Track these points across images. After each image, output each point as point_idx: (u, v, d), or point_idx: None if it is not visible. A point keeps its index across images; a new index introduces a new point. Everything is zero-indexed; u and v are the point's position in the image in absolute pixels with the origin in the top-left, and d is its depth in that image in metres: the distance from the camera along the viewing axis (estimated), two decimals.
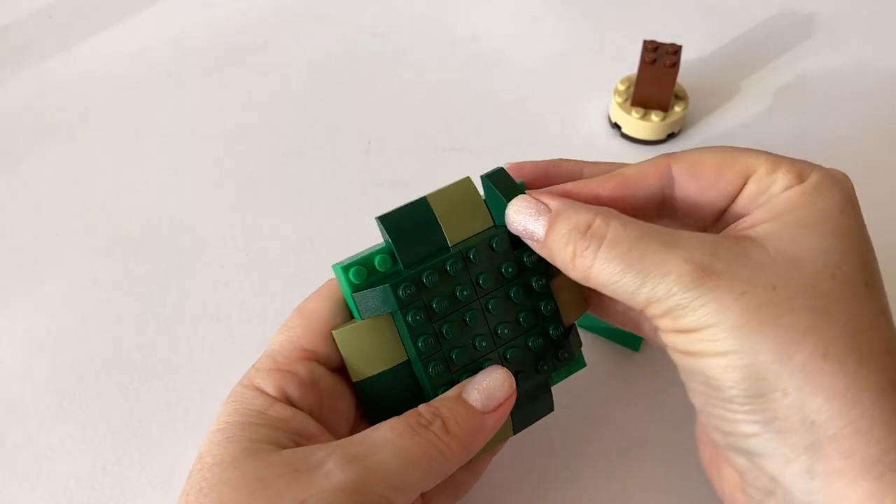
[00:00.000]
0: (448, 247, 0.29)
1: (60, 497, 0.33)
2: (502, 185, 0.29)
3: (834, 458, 0.23)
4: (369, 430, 0.27)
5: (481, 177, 0.30)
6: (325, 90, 0.48)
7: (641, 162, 0.29)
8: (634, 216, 0.28)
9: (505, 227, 0.29)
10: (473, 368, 0.28)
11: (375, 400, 0.29)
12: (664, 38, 0.44)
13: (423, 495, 0.30)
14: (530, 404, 0.30)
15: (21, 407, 0.36)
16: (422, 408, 0.27)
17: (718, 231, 0.29)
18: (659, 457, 0.34)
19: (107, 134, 0.46)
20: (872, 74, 0.47)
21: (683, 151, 0.29)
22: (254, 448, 0.26)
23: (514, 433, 0.30)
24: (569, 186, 0.29)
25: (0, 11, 0.53)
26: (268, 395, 0.27)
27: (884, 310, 0.25)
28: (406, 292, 0.27)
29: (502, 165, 0.30)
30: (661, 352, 0.33)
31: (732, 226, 0.27)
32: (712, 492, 0.33)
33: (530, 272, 0.29)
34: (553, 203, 0.28)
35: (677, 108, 0.44)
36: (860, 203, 0.27)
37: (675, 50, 0.42)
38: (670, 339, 0.26)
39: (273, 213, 0.42)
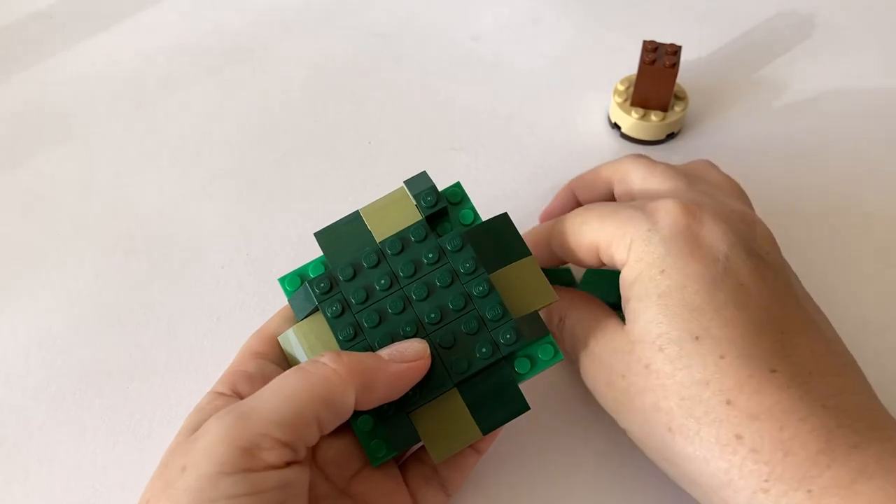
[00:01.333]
0: (375, 241, 0.31)
1: (60, 497, 0.33)
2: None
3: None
4: None
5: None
6: (325, 90, 0.48)
7: (535, 233, 0.34)
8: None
9: (424, 218, 0.31)
10: None
11: None
12: (664, 38, 0.44)
13: (410, 490, 0.30)
14: (495, 402, 0.30)
15: (21, 407, 0.36)
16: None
17: None
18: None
19: (107, 134, 0.46)
20: (872, 75, 0.47)
21: (560, 226, 0.33)
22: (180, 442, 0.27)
23: (484, 433, 0.29)
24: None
25: (0, 11, 0.53)
26: (218, 393, 0.29)
27: (724, 354, 0.27)
28: (320, 286, 0.30)
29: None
30: None
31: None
32: None
33: (457, 257, 0.30)
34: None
35: (677, 109, 0.44)
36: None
37: (675, 50, 0.42)
38: None
39: (273, 213, 0.43)
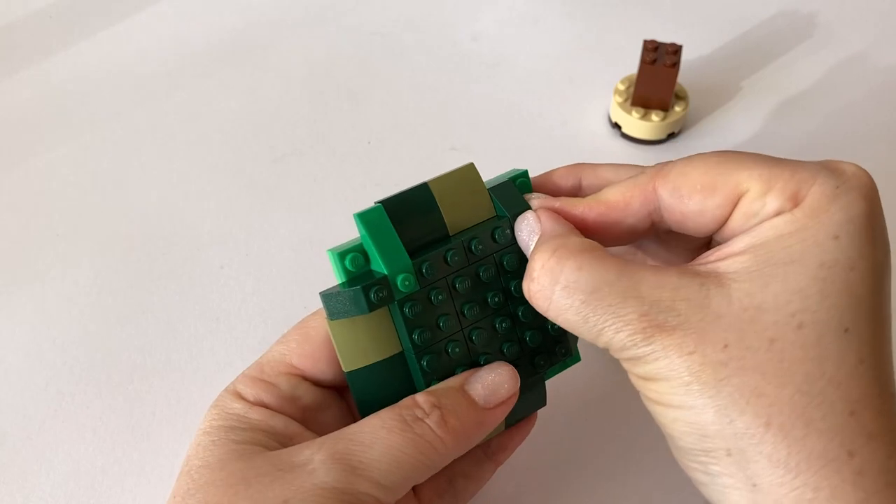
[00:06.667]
0: (448, 235, 0.28)
1: (60, 497, 0.33)
2: (507, 195, 0.29)
3: None
4: (359, 423, 0.26)
5: (488, 190, 0.30)
6: (325, 90, 0.48)
7: (627, 182, 0.28)
8: (625, 240, 0.29)
9: (507, 217, 0.29)
10: (468, 363, 0.28)
11: (365, 393, 0.28)
12: (664, 37, 0.44)
13: (419, 498, 0.30)
14: (524, 399, 0.29)
15: (21, 407, 0.36)
16: (420, 396, 0.27)
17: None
18: (659, 456, 0.34)
19: (107, 134, 0.46)
20: (873, 74, 0.47)
21: (671, 164, 0.27)
22: (240, 450, 0.26)
23: (506, 428, 0.30)
24: (559, 205, 0.29)
25: (0, 11, 0.53)
26: (246, 400, 0.28)
27: (864, 359, 0.24)
28: (406, 284, 0.27)
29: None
30: None
31: (710, 252, 0.26)
32: None
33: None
34: (545, 223, 0.28)
35: (678, 108, 0.44)
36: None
37: (676, 50, 0.42)
38: (633, 382, 0.26)
39: (273, 213, 0.42)
